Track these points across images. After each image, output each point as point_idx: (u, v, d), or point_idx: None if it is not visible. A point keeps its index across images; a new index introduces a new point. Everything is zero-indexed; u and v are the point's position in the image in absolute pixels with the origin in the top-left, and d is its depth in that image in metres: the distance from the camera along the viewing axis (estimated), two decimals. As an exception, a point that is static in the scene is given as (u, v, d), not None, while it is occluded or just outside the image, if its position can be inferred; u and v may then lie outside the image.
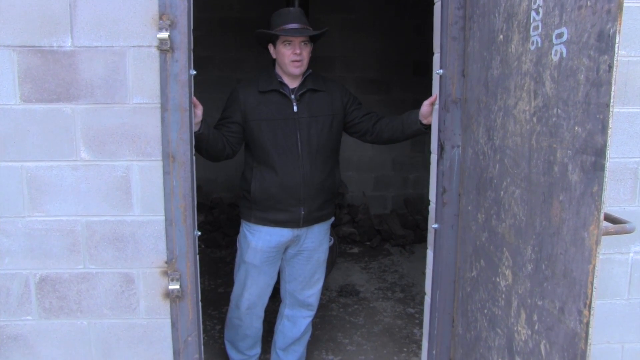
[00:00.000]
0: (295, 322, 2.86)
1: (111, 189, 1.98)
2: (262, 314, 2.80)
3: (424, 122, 2.42)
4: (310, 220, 2.61)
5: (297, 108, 2.51)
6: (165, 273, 2.03)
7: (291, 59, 2.45)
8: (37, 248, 2.00)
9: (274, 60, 2.61)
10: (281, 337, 2.90)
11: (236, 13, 5.61)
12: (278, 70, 2.55)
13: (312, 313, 2.88)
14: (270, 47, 2.53)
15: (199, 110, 2.21)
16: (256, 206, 2.56)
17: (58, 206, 1.98)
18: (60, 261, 2.02)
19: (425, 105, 2.37)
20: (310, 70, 2.57)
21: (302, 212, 2.55)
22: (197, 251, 2.07)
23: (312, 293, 2.82)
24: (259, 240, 2.58)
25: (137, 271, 2.04)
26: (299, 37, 2.43)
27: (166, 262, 2.03)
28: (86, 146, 1.95)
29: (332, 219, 2.80)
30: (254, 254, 2.60)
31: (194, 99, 2.04)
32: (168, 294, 2.02)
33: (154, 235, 2.01)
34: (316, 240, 2.70)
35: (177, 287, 2.00)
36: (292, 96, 2.51)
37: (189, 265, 2.03)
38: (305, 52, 2.48)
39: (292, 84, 2.54)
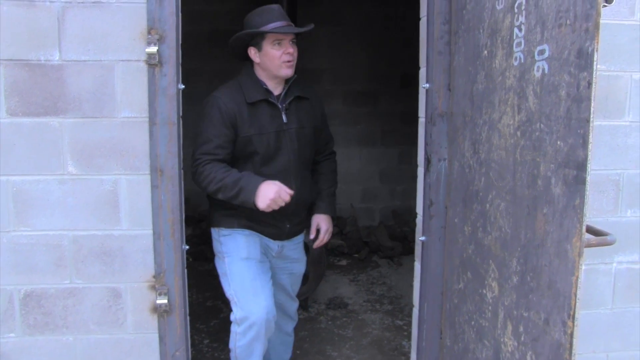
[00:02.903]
0: (280, 337, 2.73)
1: (99, 203, 1.97)
2: (273, 327, 2.40)
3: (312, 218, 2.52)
4: (292, 234, 2.47)
5: (286, 118, 2.30)
6: (153, 287, 2.02)
7: (283, 59, 2.21)
8: (22, 263, 1.99)
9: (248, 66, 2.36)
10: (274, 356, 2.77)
11: (224, 25, 5.63)
12: (261, 76, 2.28)
13: (294, 325, 2.80)
14: (252, 51, 2.25)
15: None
16: (242, 213, 2.29)
17: (44, 220, 1.97)
18: (46, 276, 2.01)
19: (316, 222, 2.51)
20: (296, 75, 2.35)
21: (288, 226, 2.41)
22: (185, 265, 2.06)
23: (297, 302, 2.76)
24: (255, 237, 2.36)
25: (124, 285, 2.03)
26: (290, 36, 2.22)
27: (154, 277, 2.02)
28: (74, 160, 1.95)
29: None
30: (254, 245, 2.34)
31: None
32: (156, 309, 2.01)
33: (141, 249, 2.00)
34: (296, 254, 2.58)
35: (165, 301, 1.99)
36: (280, 105, 2.29)
37: (177, 279, 2.02)
38: (296, 52, 2.27)
39: (277, 90, 2.30)
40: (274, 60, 2.22)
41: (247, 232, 2.35)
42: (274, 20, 2.20)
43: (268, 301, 2.29)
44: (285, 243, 2.48)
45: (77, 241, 1.99)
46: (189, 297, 2.14)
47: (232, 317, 2.32)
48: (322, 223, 2.51)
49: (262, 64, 2.26)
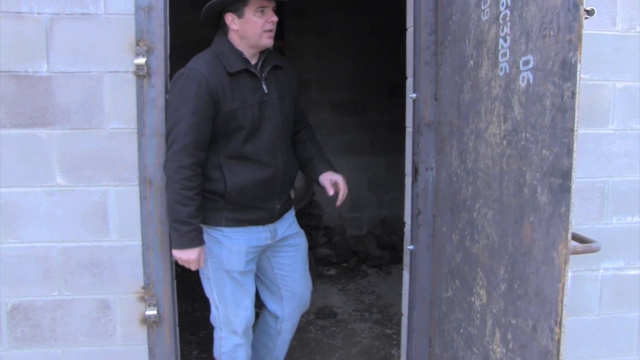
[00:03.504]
0: (294, 329, 2.58)
1: (87, 214, 1.97)
2: (252, 335, 2.41)
3: (321, 182, 2.36)
4: (282, 213, 2.32)
5: (267, 88, 2.16)
6: (143, 298, 2.01)
7: (266, 28, 2.06)
8: (10, 275, 1.97)
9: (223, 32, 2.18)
10: (282, 351, 2.60)
11: (211, 36, 5.64)
12: (236, 44, 2.11)
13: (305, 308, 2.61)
14: (229, 17, 2.07)
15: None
16: (228, 206, 2.15)
17: (33, 232, 1.96)
18: (34, 288, 1.99)
19: (324, 178, 2.35)
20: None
21: (277, 207, 2.26)
22: (175, 276, 2.06)
23: (311, 289, 2.56)
24: (240, 242, 2.19)
25: (113, 297, 2.02)
26: (272, 4, 2.08)
27: (143, 288, 2.01)
28: (62, 171, 1.94)
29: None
30: (238, 257, 2.20)
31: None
32: (145, 320, 2.01)
33: (130, 260, 2.00)
34: (293, 227, 2.42)
35: (155, 312, 1.99)
36: (260, 75, 2.15)
37: (166, 290, 2.02)
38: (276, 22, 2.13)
39: (253, 59, 2.15)
40: (256, 29, 2.06)
41: (233, 235, 2.20)
42: None
43: (247, 312, 2.27)
44: (277, 225, 2.32)
45: (65, 253, 1.98)
46: (177, 308, 2.13)
47: (212, 318, 2.29)
48: (334, 176, 2.36)
49: (240, 31, 2.08)
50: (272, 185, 2.17)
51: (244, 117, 2.08)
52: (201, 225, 2.19)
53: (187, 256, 2.02)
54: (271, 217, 2.27)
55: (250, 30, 2.06)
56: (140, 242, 1.99)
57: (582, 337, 2.26)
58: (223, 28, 2.13)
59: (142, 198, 1.97)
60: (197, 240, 2.04)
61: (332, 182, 2.35)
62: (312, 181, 2.54)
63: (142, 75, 1.92)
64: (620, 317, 2.30)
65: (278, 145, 2.19)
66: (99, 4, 1.91)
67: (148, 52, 1.92)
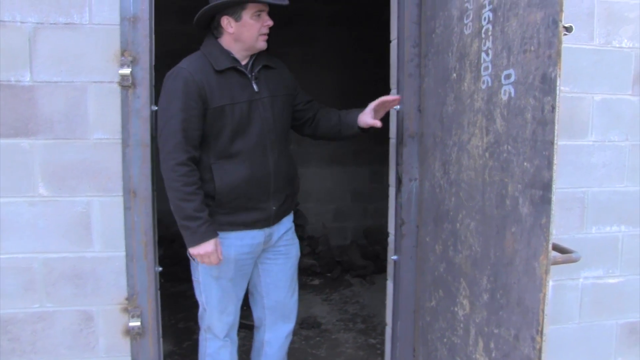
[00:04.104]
0: (279, 343, 2.50)
1: (71, 225, 1.95)
2: (236, 338, 2.38)
3: (360, 125, 2.24)
4: (279, 216, 2.28)
5: (257, 87, 2.17)
6: (126, 310, 2.00)
7: (262, 31, 2.12)
8: (-10, 287, 1.95)
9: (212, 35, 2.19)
10: None
11: (195, 45, 5.64)
12: (229, 47, 2.14)
13: (293, 325, 2.51)
14: (225, 20, 2.09)
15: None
16: (221, 209, 2.14)
17: (14, 243, 1.94)
18: (15, 300, 1.97)
19: (366, 114, 2.19)
20: None
21: (274, 208, 2.23)
22: (159, 287, 2.05)
23: (295, 300, 2.49)
24: (229, 249, 2.17)
25: (96, 308, 2.00)
26: (267, 8, 2.12)
27: (127, 299, 2.00)
28: (45, 182, 1.93)
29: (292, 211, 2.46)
30: (226, 265, 2.18)
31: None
32: (128, 331, 1.99)
33: (114, 271, 1.98)
34: (289, 233, 2.38)
35: (138, 323, 1.97)
36: (250, 74, 2.17)
37: (150, 301, 2.01)
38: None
39: (244, 60, 2.17)
40: (253, 32, 2.10)
41: (224, 241, 2.15)
42: None
43: (230, 317, 2.27)
44: (274, 229, 2.29)
45: (48, 264, 1.96)
46: (161, 319, 2.12)
47: (199, 317, 2.29)
48: (365, 112, 2.23)
49: (236, 34, 2.11)
50: (264, 184, 2.15)
51: (233, 114, 2.08)
52: None
53: (204, 250, 2.00)
54: (267, 219, 2.23)
55: (247, 33, 2.09)
56: (124, 253, 1.98)
57: (563, 345, 2.29)
58: (214, 31, 2.15)
59: (127, 209, 1.96)
60: (209, 233, 2.02)
61: (367, 118, 2.21)
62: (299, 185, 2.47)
63: (127, 85, 1.92)
64: (599, 325, 2.34)
65: (269, 144, 2.17)
66: (83, 14, 1.90)
67: (133, 63, 1.92)
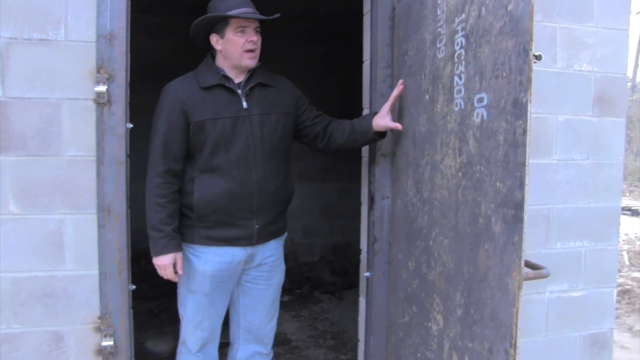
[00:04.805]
0: None
1: (42, 243, 1.92)
2: (216, 354, 2.35)
3: (377, 129, 2.19)
4: (264, 236, 2.24)
5: (247, 104, 2.16)
6: (99, 329, 1.97)
7: (246, 47, 2.11)
8: (-44, 307, 1.89)
9: (210, 55, 2.25)
10: None
11: (167, 61, 5.60)
12: (220, 64, 2.18)
13: (269, 351, 2.46)
14: (214, 38, 2.14)
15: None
16: (200, 223, 2.15)
17: (-18, 262, 1.89)
18: (-20, 321, 1.91)
19: (383, 117, 2.14)
20: (260, 64, 2.23)
21: (256, 227, 2.19)
22: (132, 305, 2.03)
23: (273, 325, 2.44)
24: (206, 264, 2.16)
25: (67, 328, 1.96)
26: (254, 23, 2.12)
27: (99, 318, 1.97)
28: (16, 199, 1.89)
29: (286, 234, 2.42)
30: (202, 280, 2.17)
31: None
32: (101, 351, 1.96)
33: (87, 290, 1.96)
34: (274, 258, 2.33)
35: (111, 342, 1.95)
36: (240, 91, 2.16)
37: (124, 320, 1.98)
38: (259, 41, 2.16)
39: (238, 78, 2.18)
40: (236, 49, 2.12)
41: (202, 255, 2.17)
42: (239, 7, 2.10)
43: (205, 333, 2.26)
44: (258, 250, 2.26)
45: (16, 283, 1.92)
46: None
47: (181, 327, 2.30)
48: (379, 116, 2.17)
49: (223, 51, 2.15)
50: (245, 201, 2.14)
51: (214, 129, 2.10)
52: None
53: (161, 262, 2.04)
54: (249, 237, 2.20)
55: (231, 50, 2.12)
56: (97, 271, 1.95)
57: (531, 358, 2.35)
58: (211, 50, 2.21)
59: (100, 226, 1.94)
60: (169, 247, 2.05)
61: (387, 121, 2.16)
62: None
63: (102, 103, 1.91)
64: (564, 337, 2.42)
65: (254, 161, 2.16)
66: (59, 30, 1.90)
67: (109, 80, 1.91)
